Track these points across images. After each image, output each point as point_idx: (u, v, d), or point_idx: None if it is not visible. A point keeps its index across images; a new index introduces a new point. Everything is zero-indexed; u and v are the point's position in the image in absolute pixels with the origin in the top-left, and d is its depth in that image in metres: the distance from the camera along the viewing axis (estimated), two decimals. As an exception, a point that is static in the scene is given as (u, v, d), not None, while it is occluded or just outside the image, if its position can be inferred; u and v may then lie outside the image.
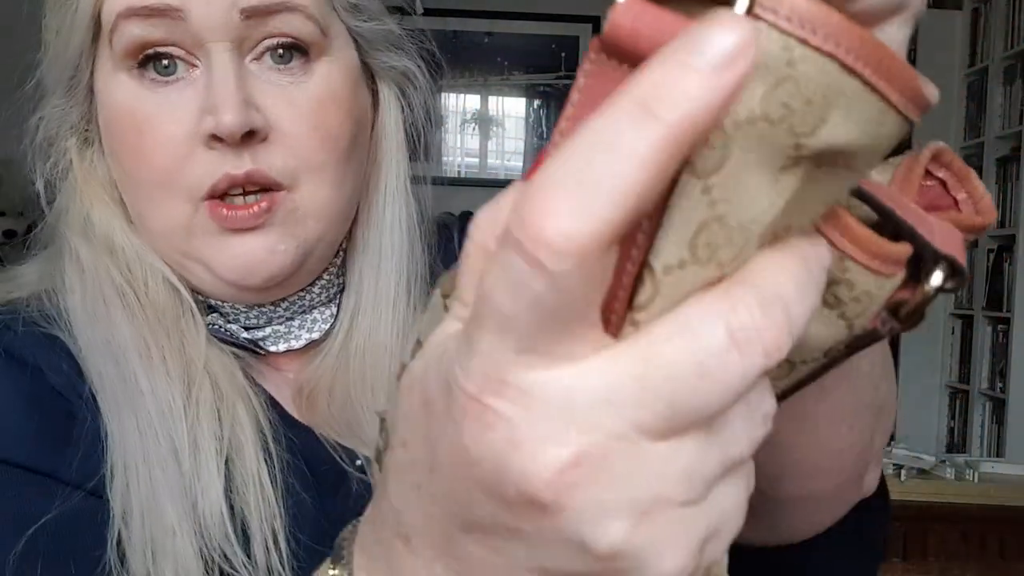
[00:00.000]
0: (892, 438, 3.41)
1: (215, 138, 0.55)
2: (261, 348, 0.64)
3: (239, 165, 0.55)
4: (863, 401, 0.49)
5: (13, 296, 0.62)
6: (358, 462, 0.61)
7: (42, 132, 0.62)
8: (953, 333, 3.70)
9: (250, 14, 0.55)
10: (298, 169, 0.57)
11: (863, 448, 0.51)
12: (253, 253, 0.57)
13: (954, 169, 0.35)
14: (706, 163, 0.22)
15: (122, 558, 0.53)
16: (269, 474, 0.57)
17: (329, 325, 0.65)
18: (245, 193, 0.57)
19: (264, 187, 0.57)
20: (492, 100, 4.35)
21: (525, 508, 0.24)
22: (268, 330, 0.64)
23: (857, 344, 0.31)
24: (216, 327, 0.62)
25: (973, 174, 0.35)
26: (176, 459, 0.55)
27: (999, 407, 3.38)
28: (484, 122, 4.37)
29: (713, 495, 0.25)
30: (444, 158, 4.37)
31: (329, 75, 0.59)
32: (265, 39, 0.56)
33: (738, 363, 0.22)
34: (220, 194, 0.56)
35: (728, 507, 0.26)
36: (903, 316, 0.30)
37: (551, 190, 0.21)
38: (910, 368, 3.70)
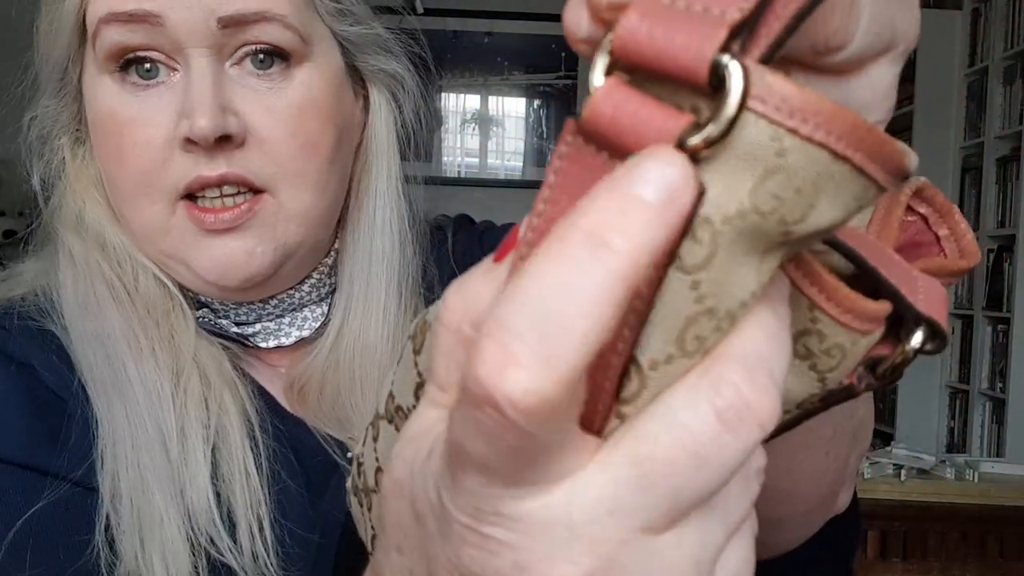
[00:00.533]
0: (892, 438, 3.41)
1: (190, 141, 0.56)
2: (251, 343, 0.64)
3: (213, 168, 0.56)
4: (841, 428, 0.48)
5: (12, 294, 0.63)
6: (349, 454, 0.62)
7: (35, 130, 0.63)
8: (953, 333, 3.70)
9: (227, 23, 0.56)
10: (276, 174, 0.58)
11: (839, 470, 0.51)
12: (231, 255, 0.58)
13: (936, 205, 0.34)
14: (694, 259, 0.21)
15: (111, 543, 0.54)
16: (255, 462, 0.58)
17: (320, 323, 0.65)
18: (224, 196, 0.57)
19: (247, 188, 0.58)
20: (492, 100, 4.35)
21: None
22: (258, 327, 0.64)
23: (832, 399, 0.30)
24: (207, 320, 0.63)
25: (955, 210, 0.34)
26: (164, 446, 0.56)
27: (999, 407, 3.38)
28: (484, 122, 4.37)
29: (722, 562, 0.25)
30: (444, 158, 4.38)
31: (310, 81, 0.59)
32: (244, 46, 0.57)
33: (733, 443, 0.22)
34: (194, 194, 0.57)
35: (737, 565, 0.25)
36: (881, 374, 0.29)
37: (510, 344, 0.20)
38: (910, 368, 3.68)
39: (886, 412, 3.87)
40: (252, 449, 0.58)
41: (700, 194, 0.20)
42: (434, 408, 0.25)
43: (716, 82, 0.20)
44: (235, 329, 0.64)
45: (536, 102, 4.31)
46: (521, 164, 4.35)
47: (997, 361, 3.43)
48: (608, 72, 0.22)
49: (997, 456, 3.29)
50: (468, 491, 0.22)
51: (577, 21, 0.23)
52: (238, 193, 0.58)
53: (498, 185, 4.34)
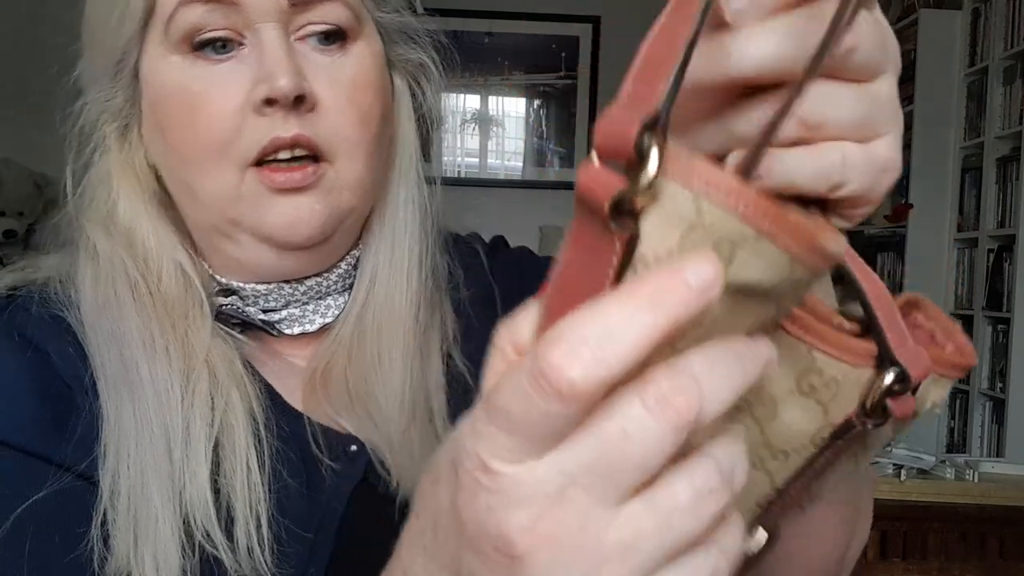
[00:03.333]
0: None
1: (267, 103, 0.59)
2: (276, 331, 0.67)
3: (287, 129, 0.59)
4: (847, 503, 0.53)
5: (31, 277, 0.65)
6: (352, 448, 0.64)
7: (82, 119, 0.65)
8: (953, 333, 3.70)
9: (295, 2, 0.60)
10: (336, 143, 0.61)
11: (841, 548, 0.55)
12: (299, 211, 0.61)
13: (940, 322, 0.40)
14: None
15: (106, 538, 0.56)
16: (258, 460, 0.60)
17: (341, 311, 0.68)
18: (292, 159, 0.61)
19: (309, 153, 0.61)
20: (492, 100, 4.35)
21: (499, 561, 0.30)
22: (284, 312, 0.67)
23: (838, 433, 0.37)
24: (235, 308, 0.66)
25: (958, 328, 0.40)
26: (168, 447, 0.59)
27: (999, 407, 3.38)
28: (484, 122, 4.37)
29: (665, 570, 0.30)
30: (444, 158, 4.37)
31: (363, 58, 0.63)
32: (307, 24, 0.61)
33: (654, 425, 0.28)
34: (267, 158, 0.60)
35: None
36: (868, 409, 0.36)
37: (577, 344, 0.28)
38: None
39: (886, 412, 3.88)
40: (255, 447, 0.60)
41: (635, 238, 0.28)
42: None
43: (641, 158, 0.28)
44: (261, 316, 0.66)
45: (536, 102, 4.32)
46: (521, 164, 4.35)
47: (997, 361, 3.43)
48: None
49: (997, 456, 3.29)
50: (482, 439, 0.30)
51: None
52: (305, 157, 0.61)
53: (498, 185, 4.34)
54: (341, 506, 0.62)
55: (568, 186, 4.30)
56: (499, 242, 0.80)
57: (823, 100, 0.33)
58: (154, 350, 0.61)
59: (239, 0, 0.59)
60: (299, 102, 0.59)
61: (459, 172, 4.30)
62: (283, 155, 0.60)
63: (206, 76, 0.60)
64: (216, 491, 0.58)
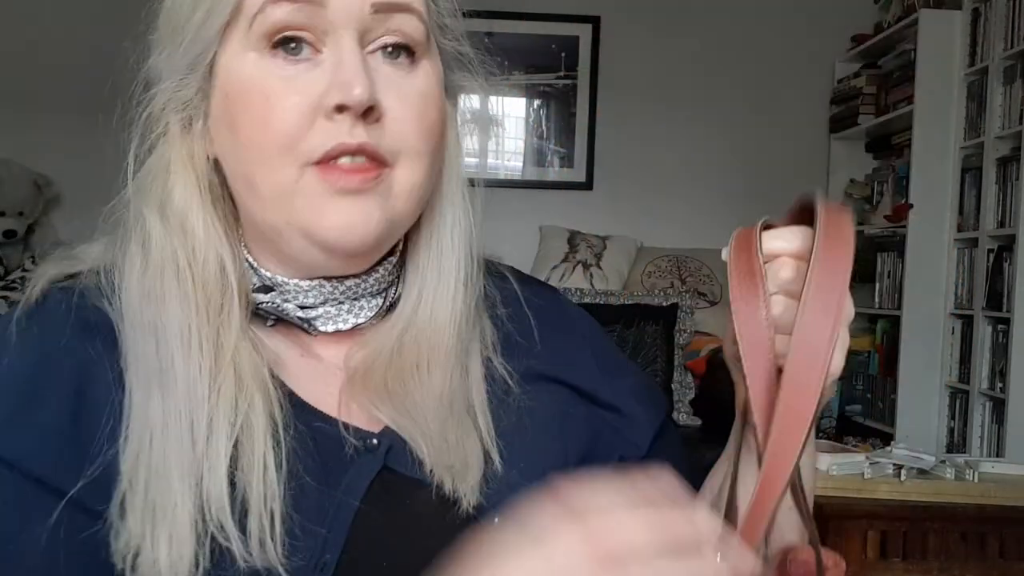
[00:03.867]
0: (892, 438, 3.41)
1: (339, 109, 0.61)
2: (312, 327, 0.70)
3: (354, 136, 0.62)
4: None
5: (75, 270, 0.68)
6: (373, 440, 0.67)
7: (151, 107, 0.67)
8: (953, 333, 3.70)
9: (379, 9, 0.63)
10: (398, 151, 0.64)
11: None
12: (353, 215, 0.63)
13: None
14: None
15: (122, 515, 0.59)
16: (275, 459, 0.62)
17: (374, 312, 0.71)
18: (353, 165, 0.63)
19: (372, 160, 0.63)
20: (492, 100, 4.35)
21: None
22: (320, 310, 0.70)
23: None
24: (273, 304, 0.68)
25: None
26: (192, 439, 0.61)
27: (999, 407, 3.38)
28: (484, 122, 4.37)
29: None
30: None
31: (428, 75, 0.67)
32: (383, 35, 0.64)
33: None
34: (329, 160, 0.62)
35: None
36: None
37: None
38: (910, 368, 3.69)
39: (886, 412, 3.87)
40: (274, 448, 0.62)
41: None
42: None
43: None
44: (299, 313, 0.69)
45: (536, 102, 4.31)
46: (521, 164, 4.35)
47: (997, 361, 3.43)
48: None
49: (997, 456, 3.29)
50: None
51: None
52: (366, 163, 0.63)
53: (498, 185, 4.33)
54: (356, 499, 0.64)
55: (568, 186, 4.31)
56: (520, 273, 0.83)
57: None
58: (190, 345, 0.63)
59: (327, 1, 0.61)
60: (369, 112, 0.62)
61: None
62: (344, 160, 0.62)
63: (282, 74, 0.63)
64: (232, 485, 0.60)
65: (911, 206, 3.69)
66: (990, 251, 3.46)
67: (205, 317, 0.64)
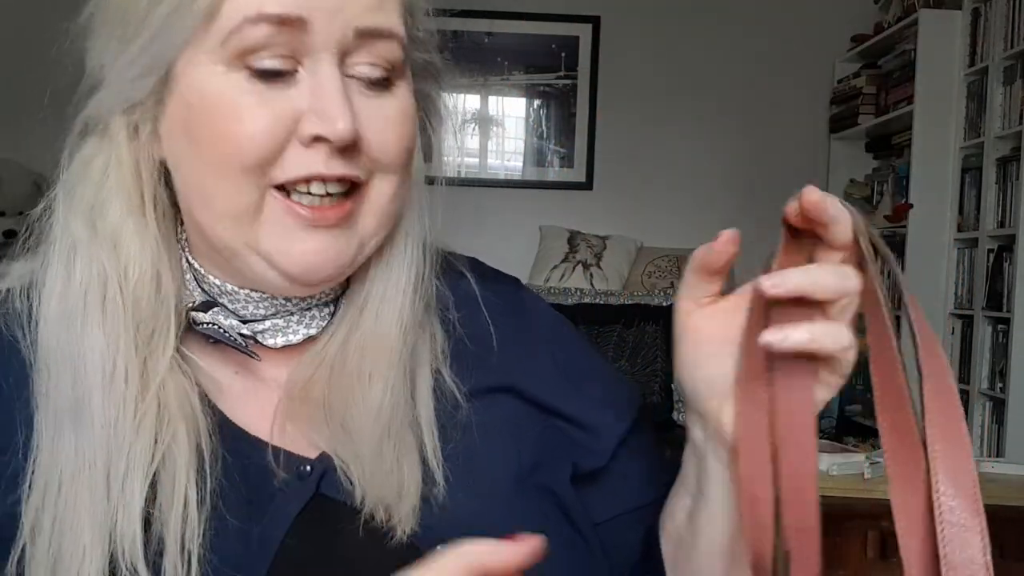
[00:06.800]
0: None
1: (318, 140, 0.58)
2: (257, 345, 0.65)
3: (331, 167, 0.58)
4: None
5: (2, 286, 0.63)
6: (306, 468, 0.62)
7: (92, 106, 0.62)
8: (953, 333, 3.70)
9: (363, 34, 0.59)
10: (374, 171, 0.61)
11: None
12: (323, 252, 0.60)
13: None
14: None
15: (21, 574, 0.55)
16: (198, 495, 0.58)
17: (326, 323, 0.66)
18: (328, 194, 0.59)
19: (345, 190, 0.60)
20: (492, 100, 4.35)
21: None
22: (268, 323, 0.65)
23: None
24: (213, 327, 0.63)
25: None
26: (107, 484, 0.57)
27: (999, 407, 3.38)
28: (484, 122, 4.37)
29: None
30: (444, 158, 4.36)
31: (405, 93, 0.63)
32: (363, 63, 0.60)
33: None
34: (288, 186, 0.59)
35: None
36: None
37: None
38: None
39: (886, 412, 3.87)
40: (197, 483, 0.58)
41: None
42: None
43: None
44: (242, 330, 0.64)
45: (536, 102, 4.32)
46: (521, 164, 4.35)
47: (997, 361, 3.43)
48: None
49: (997, 456, 3.29)
50: None
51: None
52: (339, 199, 0.60)
53: (498, 185, 4.34)
54: (281, 532, 0.60)
55: (567, 186, 4.31)
56: (480, 266, 0.78)
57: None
58: (111, 379, 0.58)
59: (309, 24, 0.57)
60: (349, 144, 0.59)
61: (459, 172, 4.30)
62: (316, 188, 0.59)
63: (256, 93, 0.58)
64: (148, 523, 0.57)
65: (911, 206, 3.69)
66: (990, 251, 3.46)
67: (132, 346, 0.59)
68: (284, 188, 0.59)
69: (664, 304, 3.57)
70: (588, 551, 0.68)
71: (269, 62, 0.57)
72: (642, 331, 3.45)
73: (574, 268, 3.89)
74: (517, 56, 4.26)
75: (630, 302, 3.59)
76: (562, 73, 4.28)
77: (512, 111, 4.36)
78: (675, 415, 3.41)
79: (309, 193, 0.59)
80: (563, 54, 4.26)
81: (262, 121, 0.57)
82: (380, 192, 0.62)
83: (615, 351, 3.41)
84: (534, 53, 4.27)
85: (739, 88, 4.27)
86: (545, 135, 4.33)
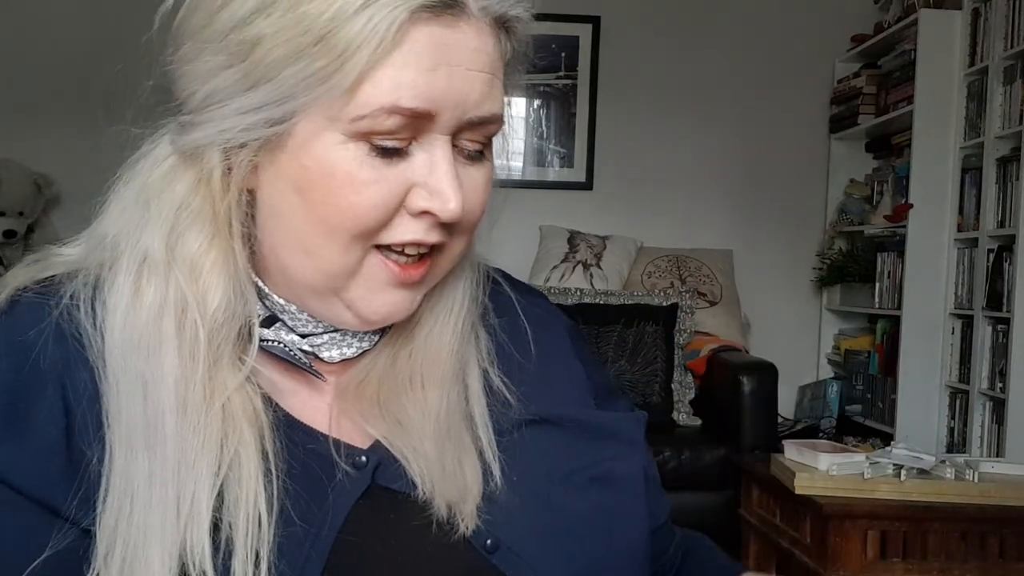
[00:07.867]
0: (892, 438, 3.41)
1: (428, 214, 0.62)
2: (316, 357, 0.68)
3: (431, 236, 0.63)
4: None
5: (46, 274, 0.64)
6: (362, 458, 0.65)
7: (189, 141, 0.62)
8: (953, 333, 3.70)
9: (475, 123, 0.62)
10: (455, 232, 0.65)
11: None
12: (401, 303, 0.65)
13: None
14: None
15: None
16: (266, 497, 0.60)
17: (379, 337, 0.70)
18: (417, 254, 0.64)
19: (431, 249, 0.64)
20: (492, 100, 4.34)
21: None
22: (326, 337, 0.68)
23: None
24: (276, 343, 0.66)
25: None
26: (177, 506, 0.58)
27: (999, 407, 3.38)
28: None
29: None
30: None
31: (491, 158, 0.67)
32: (468, 140, 0.64)
33: None
34: (387, 245, 0.62)
35: None
36: None
37: None
38: (910, 368, 3.69)
39: (886, 412, 3.87)
40: (265, 487, 0.60)
41: None
42: None
43: None
44: (304, 346, 0.67)
45: (536, 102, 4.31)
46: (521, 164, 4.35)
47: (997, 361, 3.43)
48: None
49: (997, 456, 3.29)
50: None
51: None
52: (424, 256, 0.64)
53: (498, 185, 4.33)
54: (340, 519, 0.62)
55: (567, 186, 4.31)
56: (509, 276, 0.83)
57: None
58: (185, 401, 0.59)
59: (435, 116, 0.60)
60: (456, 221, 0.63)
61: (459, 172, 4.30)
62: (410, 250, 0.63)
63: (374, 168, 0.60)
64: (215, 527, 0.58)
65: (911, 206, 3.69)
66: (990, 251, 3.46)
67: (206, 368, 0.61)
68: (380, 247, 0.63)
69: (664, 304, 3.57)
70: (648, 532, 0.73)
71: (391, 143, 0.60)
72: (642, 331, 3.45)
73: (574, 268, 3.89)
74: (517, 56, 4.26)
75: (630, 302, 3.58)
76: (562, 73, 4.27)
77: (512, 111, 4.36)
78: (675, 415, 3.41)
79: (403, 253, 0.63)
80: (563, 54, 4.26)
81: (379, 196, 0.60)
82: (454, 251, 0.66)
83: (615, 351, 3.41)
84: (534, 53, 4.27)
85: (739, 88, 4.26)
86: (545, 135, 4.33)
